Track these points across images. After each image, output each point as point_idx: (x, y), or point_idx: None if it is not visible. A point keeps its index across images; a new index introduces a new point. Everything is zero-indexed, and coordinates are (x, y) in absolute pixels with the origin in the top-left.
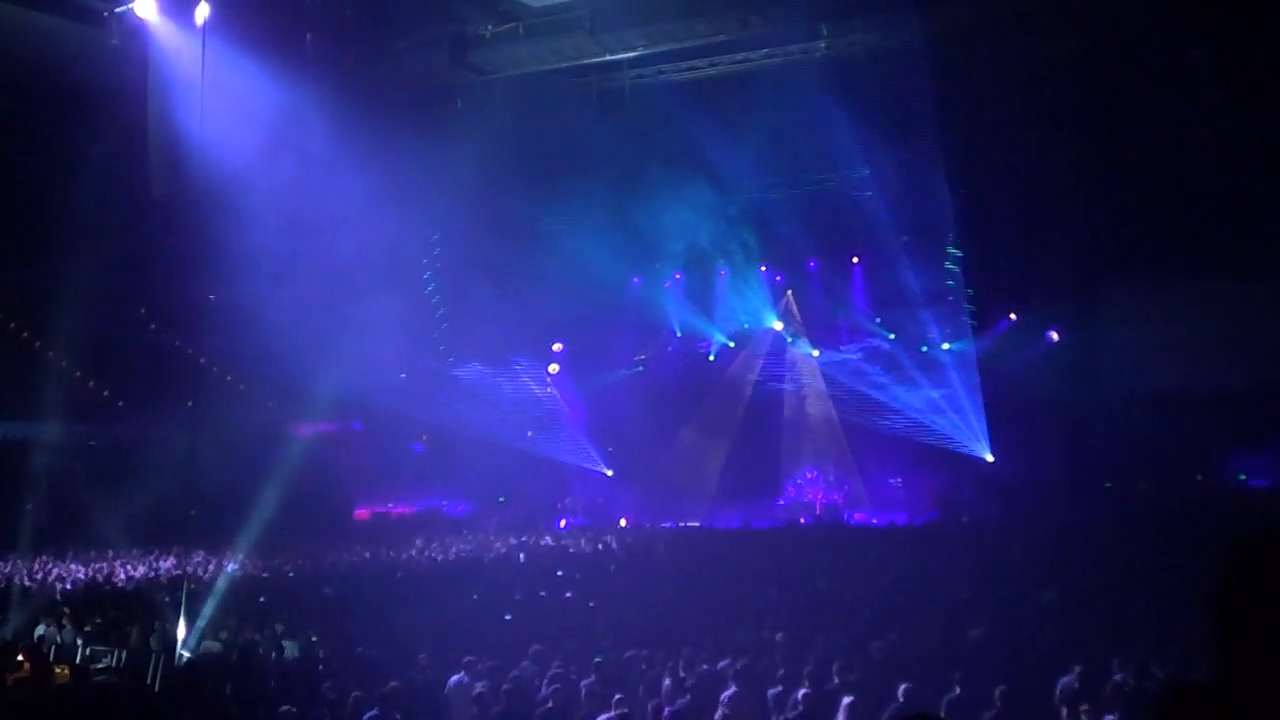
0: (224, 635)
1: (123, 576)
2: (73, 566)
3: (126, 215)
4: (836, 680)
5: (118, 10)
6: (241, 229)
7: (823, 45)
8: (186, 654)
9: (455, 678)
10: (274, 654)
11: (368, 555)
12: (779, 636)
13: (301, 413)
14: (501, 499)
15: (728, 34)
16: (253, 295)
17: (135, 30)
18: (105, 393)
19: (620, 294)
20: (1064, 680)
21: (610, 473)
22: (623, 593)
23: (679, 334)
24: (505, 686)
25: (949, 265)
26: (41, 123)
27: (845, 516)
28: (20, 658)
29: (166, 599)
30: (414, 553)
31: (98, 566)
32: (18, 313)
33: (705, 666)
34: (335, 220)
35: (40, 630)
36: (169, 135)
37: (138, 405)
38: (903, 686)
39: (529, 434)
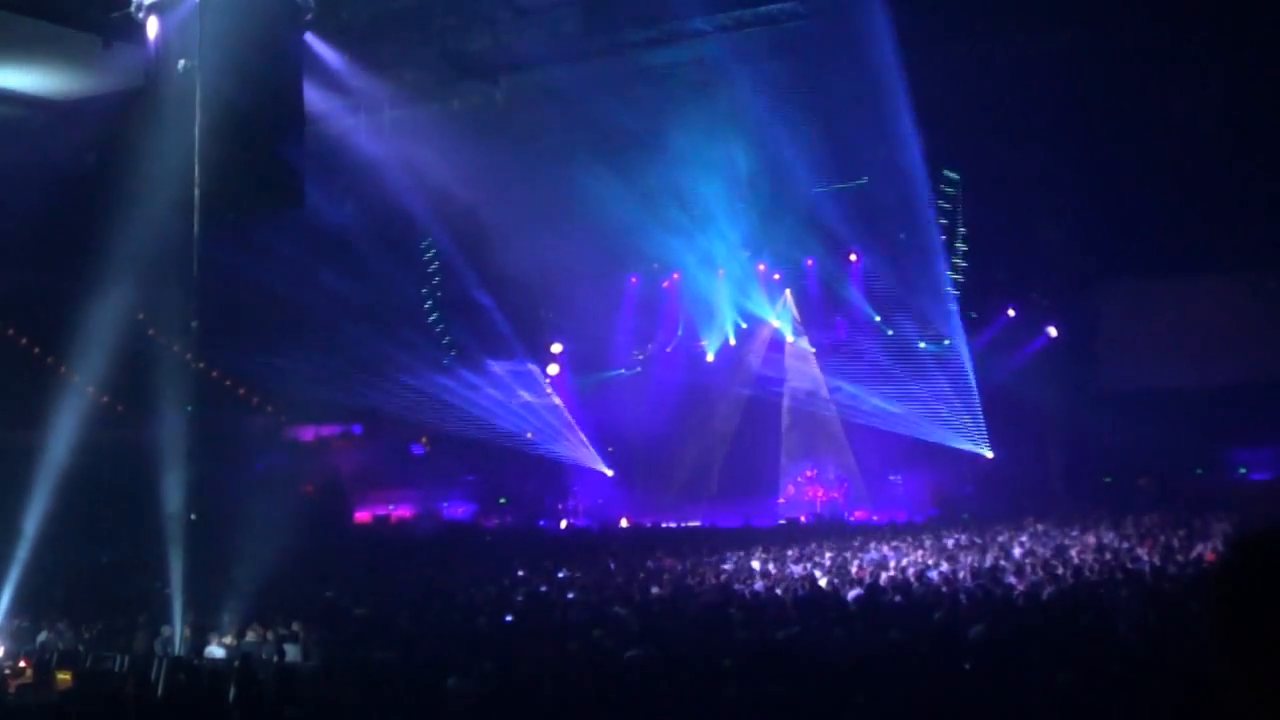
0: (228, 640)
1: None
2: None
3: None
4: None
5: (113, 15)
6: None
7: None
8: (190, 658)
9: None
10: (276, 658)
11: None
12: None
13: (301, 416)
14: (502, 500)
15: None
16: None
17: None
18: (105, 398)
19: (620, 293)
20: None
21: (611, 473)
22: None
23: (679, 333)
24: None
25: (946, 260)
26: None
27: (845, 514)
28: (23, 664)
29: (170, 603)
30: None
31: None
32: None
33: None
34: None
35: (41, 636)
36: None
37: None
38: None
39: (529, 435)
